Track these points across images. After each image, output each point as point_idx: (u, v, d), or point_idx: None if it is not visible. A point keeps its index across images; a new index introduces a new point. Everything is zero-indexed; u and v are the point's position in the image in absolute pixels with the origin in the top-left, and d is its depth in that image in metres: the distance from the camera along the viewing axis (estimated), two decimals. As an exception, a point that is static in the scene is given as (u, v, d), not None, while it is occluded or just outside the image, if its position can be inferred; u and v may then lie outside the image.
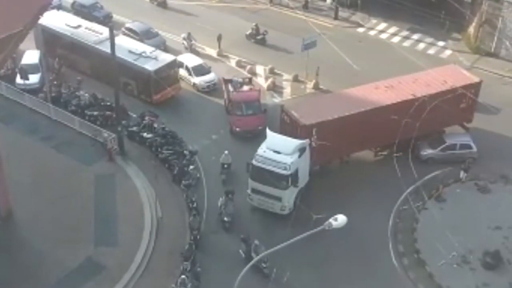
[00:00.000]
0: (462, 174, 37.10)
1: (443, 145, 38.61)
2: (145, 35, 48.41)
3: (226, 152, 36.86)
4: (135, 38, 47.30)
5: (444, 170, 37.91)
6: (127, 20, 51.89)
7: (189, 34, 49.24)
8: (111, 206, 34.80)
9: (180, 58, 46.10)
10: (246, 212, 35.00)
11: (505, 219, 34.79)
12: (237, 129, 40.36)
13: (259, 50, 49.69)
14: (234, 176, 36.78)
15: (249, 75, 45.32)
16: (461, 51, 50.91)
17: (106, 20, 50.51)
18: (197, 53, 48.35)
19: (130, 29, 49.26)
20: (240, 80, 43.38)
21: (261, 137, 36.19)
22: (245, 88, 42.82)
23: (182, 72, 45.56)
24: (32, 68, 43.43)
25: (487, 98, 41.33)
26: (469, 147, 38.70)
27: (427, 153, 38.59)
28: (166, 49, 48.05)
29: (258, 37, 51.10)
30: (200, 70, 45.34)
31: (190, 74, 45.31)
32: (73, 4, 53.53)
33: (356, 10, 56.05)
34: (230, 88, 42.71)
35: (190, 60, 46.34)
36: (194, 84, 45.08)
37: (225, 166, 36.91)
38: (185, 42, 49.19)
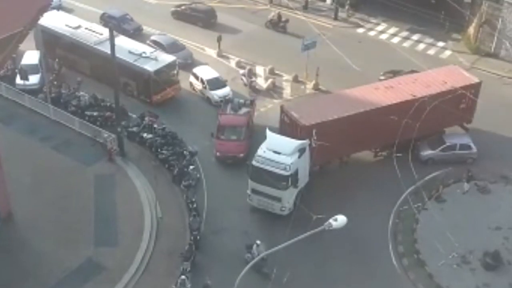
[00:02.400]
0: (465, 186, 36.81)
1: (443, 146, 38.60)
2: (171, 48, 47.12)
3: (258, 242, 31.18)
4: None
5: (444, 170, 37.93)
6: (157, 33, 50.96)
7: (249, 70, 46.16)
8: (111, 206, 34.80)
9: (195, 70, 45.13)
10: (246, 212, 35.01)
11: (505, 219, 34.81)
12: (217, 153, 38.44)
13: (260, 51, 49.68)
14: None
15: (251, 98, 43.17)
16: (461, 52, 50.96)
17: (136, 33, 49.63)
18: (257, 91, 45.19)
19: (155, 42, 47.94)
20: (242, 101, 41.26)
21: (242, 164, 36.39)
22: (244, 110, 40.34)
23: (196, 84, 44.63)
24: (32, 69, 43.44)
25: (487, 98, 41.34)
26: (469, 147, 38.70)
27: (427, 153, 38.59)
28: (193, 62, 47.22)
29: (281, 25, 52.10)
30: (215, 84, 43.81)
31: (204, 87, 43.99)
32: (102, 15, 52.11)
33: (354, 12, 55.98)
34: (228, 109, 40.40)
35: (205, 72, 44.78)
36: (207, 97, 43.81)
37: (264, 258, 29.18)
38: (244, 78, 45.82)
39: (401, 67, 46.10)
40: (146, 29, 51.86)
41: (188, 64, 46.88)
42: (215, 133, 38.71)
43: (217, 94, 43.21)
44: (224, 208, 35.37)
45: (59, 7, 51.32)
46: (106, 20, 51.30)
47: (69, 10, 52.76)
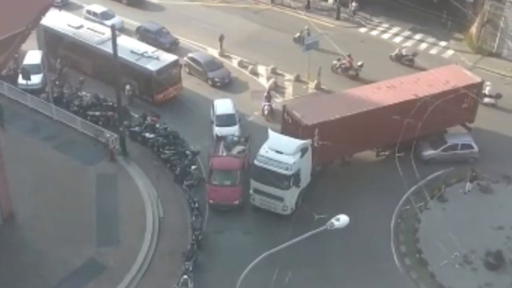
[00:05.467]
0: (468, 185, 36.69)
1: (445, 145, 38.55)
2: (208, 66, 45.71)
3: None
4: (198, 70, 45.85)
5: (446, 170, 37.90)
6: (193, 45, 50.10)
7: (268, 94, 43.06)
8: (113, 206, 34.81)
9: (216, 102, 41.47)
10: (248, 212, 34.99)
11: (507, 219, 34.76)
12: (210, 201, 35.02)
13: (261, 50, 49.66)
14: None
15: (246, 136, 38.56)
16: (463, 51, 50.89)
17: (172, 47, 48.69)
18: (273, 117, 41.69)
19: (193, 59, 46.61)
20: (236, 138, 37.52)
21: (238, 211, 34.89)
22: (238, 148, 36.88)
23: (212, 116, 41.08)
24: (34, 69, 43.41)
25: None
26: (471, 147, 38.64)
27: (429, 153, 38.52)
28: (231, 81, 45.60)
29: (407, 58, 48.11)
30: (224, 121, 39.84)
31: (212, 122, 40.53)
32: (138, 28, 50.47)
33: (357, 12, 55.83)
34: (221, 148, 36.99)
35: (222, 106, 40.88)
36: (213, 134, 39.82)
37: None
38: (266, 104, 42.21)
39: (403, 67, 46.08)
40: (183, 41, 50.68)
41: (226, 83, 45.38)
42: (207, 178, 35.59)
43: (221, 131, 38.98)
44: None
45: (121, 29, 49.68)
46: (141, 33, 49.81)
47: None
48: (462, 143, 38.68)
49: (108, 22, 49.29)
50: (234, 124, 39.84)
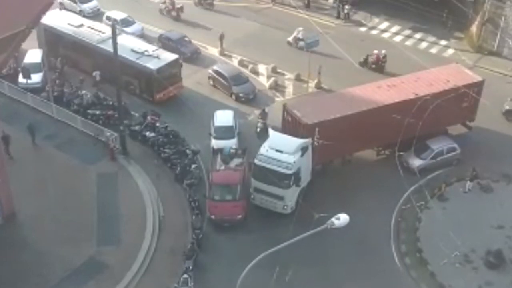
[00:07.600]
0: (468, 185, 36.56)
1: (433, 153, 37.86)
2: (233, 80, 44.21)
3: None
4: (222, 83, 44.66)
5: (447, 169, 37.88)
6: (214, 53, 49.62)
7: (263, 111, 41.42)
8: (113, 205, 34.83)
9: (217, 112, 40.32)
10: (249, 211, 34.95)
11: (507, 218, 34.76)
12: (212, 216, 34.13)
13: (262, 49, 49.64)
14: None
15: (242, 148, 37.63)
16: (463, 50, 50.86)
17: (194, 56, 47.95)
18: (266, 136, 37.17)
19: (218, 72, 45.13)
20: (233, 150, 36.65)
21: (241, 226, 34.02)
22: (236, 160, 35.79)
23: (211, 126, 39.91)
24: (35, 67, 43.40)
25: (490, 97, 41.32)
26: (455, 149, 38.34)
27: (420, 164, 37.46)
28: (256, 96, 44.18)
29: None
30: (223, 133, 38.78)
31: (209, 133, 39.39)
32: (159, 37, 49.51)
33: (356, 10, 55.74)
34: (218, 161, 35.67)
35: (221, 118, 39.69)
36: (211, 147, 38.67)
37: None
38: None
39: (404, 66, 46.06)
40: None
41: (250, 99, 43.86)
42: (207, 193, 34.91)
43: (218, 144, 37.92)
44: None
45: (142, 35, 49.58)
46: (163, 41, 48.68)
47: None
48: (447, 147, 38.31)
49: (129, 29, 48.98)
50: (232, 137, 38.58)
